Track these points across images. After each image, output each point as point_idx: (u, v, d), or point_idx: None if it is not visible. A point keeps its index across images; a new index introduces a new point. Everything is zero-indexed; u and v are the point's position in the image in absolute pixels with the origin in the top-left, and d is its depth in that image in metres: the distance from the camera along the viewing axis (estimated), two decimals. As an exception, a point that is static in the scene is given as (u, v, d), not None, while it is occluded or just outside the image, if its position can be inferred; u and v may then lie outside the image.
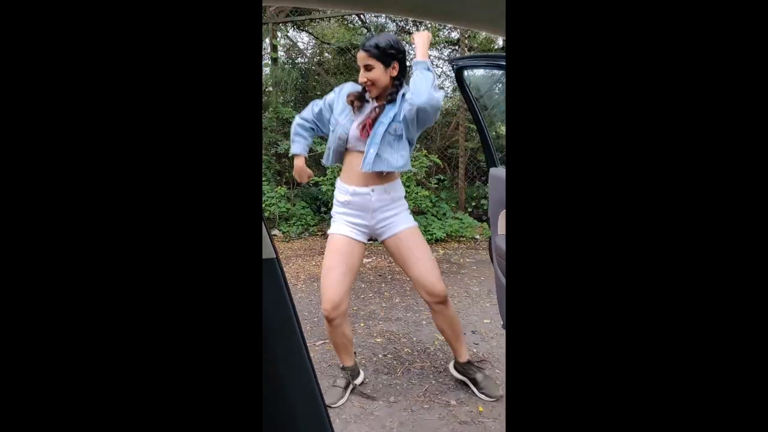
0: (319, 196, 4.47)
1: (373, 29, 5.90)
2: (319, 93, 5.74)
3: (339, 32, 6.42)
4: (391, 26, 6.11)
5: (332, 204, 1.80)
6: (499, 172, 1.81)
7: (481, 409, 1.71)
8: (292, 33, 6.30)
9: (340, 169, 1.78)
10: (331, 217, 1.80)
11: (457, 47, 5.70)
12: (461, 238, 4.20)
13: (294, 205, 4.55)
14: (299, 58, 6.36)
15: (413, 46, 1.61)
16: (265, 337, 0.57)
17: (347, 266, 1.66)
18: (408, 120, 1.59)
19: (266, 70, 5.30)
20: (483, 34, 5.77)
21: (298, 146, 1.78)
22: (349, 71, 6.07)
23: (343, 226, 1.71)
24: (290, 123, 4.59)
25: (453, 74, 2.02)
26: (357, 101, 1.67)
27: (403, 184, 2.22)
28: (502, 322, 2.05)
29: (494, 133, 2.10)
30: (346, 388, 1.79)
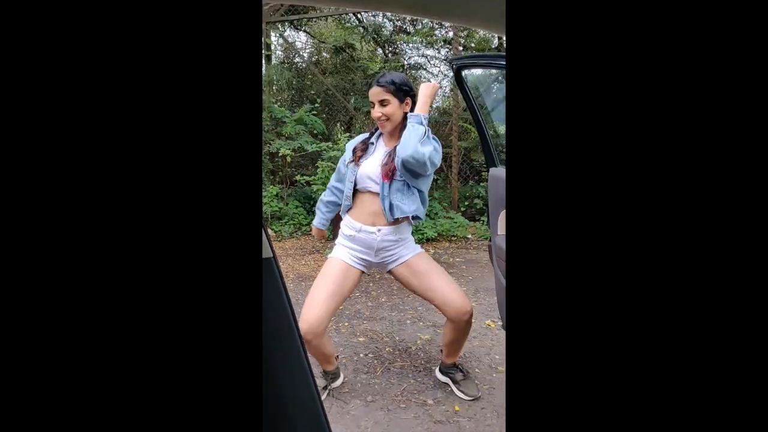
0: (312, 196, 4.47)
1: (369, 29, 5.90)
2: (313, 92, 5.74)
3: (337, 32, 6.42)
4: (388, 26, 6.10)
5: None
6: (499, 172, 1.80)
7: (457, 408, 1.71)
8: (288, 32, 6.30)
9: (337, 178, 1.82)
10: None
11: (449, 46, 5.69)
12: (453, 238, 4.20)
13: (287, 204, 4.55)
14: (296, 58, 6.36)
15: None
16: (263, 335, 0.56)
17: (335, 289, 1.63)
18: (401, 171, 1.60)
19: (260, 70, 5.29)
20: (479, 34, 5.76)
21: (316, 219, 1.92)
22: (344, 71, 6.07)
23: (344, 253, 1.70)
24: (283, 123, 4.59)
25: (451, 74, 2.01)
26: (361, 144, 1.73)
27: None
28: (501, 323, 2.05)
29: (492, 132, 2.09)
30: (324, 388, 1.80)
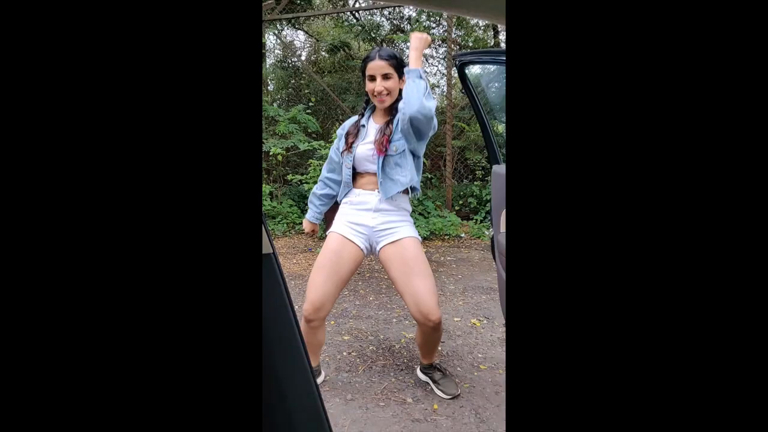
0: (305, 194, 4.48)
1: (367, 27, 5.90)
2: (308, 91, 5.74)
3: (334, 31, 6.41)
4: (386, 25, 6.10)
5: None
6: (502, 169, 1.78)
7: (436, 407, 1.70)
8: (285, 31, 6.30)
9: (330, 168, 1.83)
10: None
11: (443, 44, 5.68)
12: (445, 236, 4.20)
13: (281, 203, 4.56)
14: (292, 57, 6.36)
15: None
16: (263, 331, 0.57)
17: (335, 268, 1.62)
18: (404, 132, 1.57)
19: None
20: (479, 29, 5.75)
21: (309, 213, 1.88)
22: (341, 69, 6.06)
23: (341, 226, 1.69)
24: (276, 121, 4.59)
25: (448, 72, 2.00)
26: (353, 127, 1.71)
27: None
28: (504, 321, 2.04)
29: (496, 129, 2.09)
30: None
